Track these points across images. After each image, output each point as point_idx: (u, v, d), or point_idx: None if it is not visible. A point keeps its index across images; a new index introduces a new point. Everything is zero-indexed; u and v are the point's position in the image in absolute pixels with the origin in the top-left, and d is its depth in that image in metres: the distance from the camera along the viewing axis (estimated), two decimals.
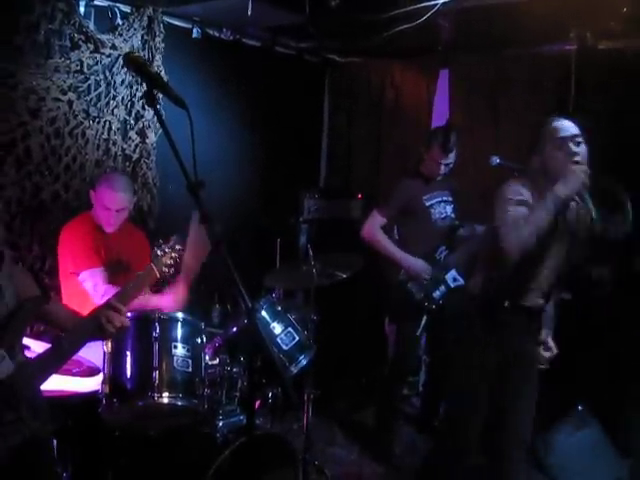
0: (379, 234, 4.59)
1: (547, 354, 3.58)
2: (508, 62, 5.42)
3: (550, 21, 4.32)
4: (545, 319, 3.54)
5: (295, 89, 6.01)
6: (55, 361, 2.70)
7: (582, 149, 3.25)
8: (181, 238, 3.13)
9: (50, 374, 2.70)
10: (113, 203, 3.91)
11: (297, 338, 3.69)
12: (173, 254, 3.03)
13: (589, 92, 4.90)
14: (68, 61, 4.29)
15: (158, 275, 3.00)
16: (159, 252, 3.01)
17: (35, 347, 3.02)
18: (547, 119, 3.37)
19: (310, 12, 4.45)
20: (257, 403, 3.72)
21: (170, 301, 3.81)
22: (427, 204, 4.63)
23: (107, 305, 2.77)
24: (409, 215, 4.62)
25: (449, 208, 4.72)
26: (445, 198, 4.71)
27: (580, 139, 3.26)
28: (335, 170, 6.66)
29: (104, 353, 3.21)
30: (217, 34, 5.33)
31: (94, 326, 2.71)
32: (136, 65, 2.27)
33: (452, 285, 4.59)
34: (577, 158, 3.21)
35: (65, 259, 3.93)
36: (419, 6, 4.34)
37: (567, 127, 3.29)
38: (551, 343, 3.59)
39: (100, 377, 3.21)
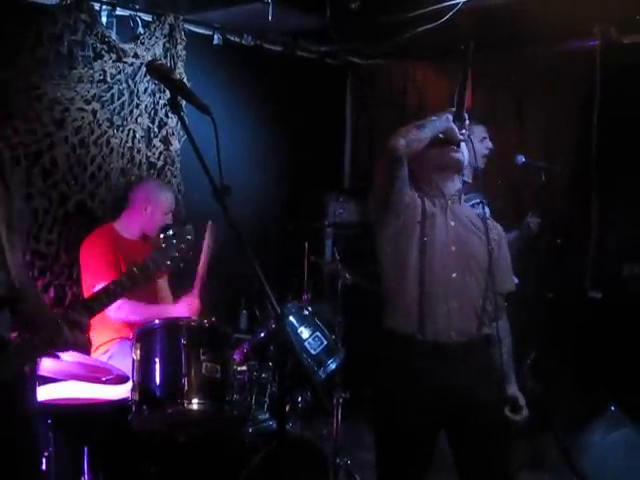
0: None
1: (516, 417, 3.01)
2: (531, 60, 5.36)
3: (573, 16, 4.27)
4: (505, 370, 3.00)
5: (317, 93, 6.00)
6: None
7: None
8: (193, 229, 2.85)
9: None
10: (168, 203, 4.11)
11: (325, 342, 3.68)
12: (182, 245, 2.73)
13: (615, 87, 4.84)
14: (91, 71, 4.32)
15: (157, 269, 2.72)
16: (163, 244, 2.72)
17: (64, 355, 3.03)
18: None
19: (331, 15, 4.45)
20: (286, 408, 3.71)
21: (184, 310, 3.83)
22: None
23: (63, 314, 2.50)
24: None
25: (481, 209, 4.64)
26: (479, 200, 4.65)
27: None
28: (359, 172, 6.64)
29: (133, 361, 3.22)
30: (238, 40, 5.33)
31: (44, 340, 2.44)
32: (160, 73, 2.27)
33: None
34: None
35: (85, 273, 3.97)
36: (440, 6, 4.31)
37: None
38: (522, 401, 3.01)
39: (129, 385, 3.21)
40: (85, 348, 2.59)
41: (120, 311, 3.73)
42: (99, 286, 3.76)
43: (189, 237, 2.71)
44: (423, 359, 2.88)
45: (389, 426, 3.03)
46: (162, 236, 2.68)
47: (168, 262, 2.66)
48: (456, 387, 2.85)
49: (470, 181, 4.60)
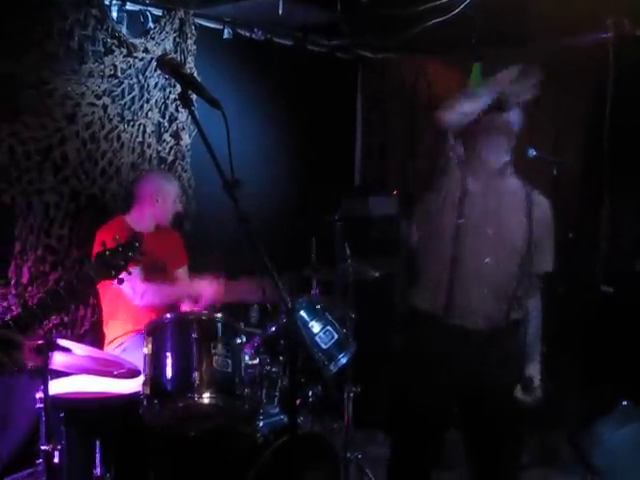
0: None
1: (526, 398, 3.02)
2: (542, 53, 5.33)
3: (586, 9, 4.25)
4: (529, 348, 3.06)
5: (328, 87, 5.99)
6: None
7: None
8: (142, 235, 2.76)
9: None
10: (170, 193, 4.14)
11: (336, 336, 3.67)
12: (129, 253, 2.65)
13: (628, 80, 4.80)
14: (102, 66, 4.32)
15: (95, 276, 2.65)
16: (107, 252, 2.64)
17: (76, 350, 3.05)
18: None
19: (341, 9, 4.44)
20: (297, 402, 3.71)
21: (207, 288, 3.92)
22: None
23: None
24: None
25: None
26: None
27: None
28: (370, 167, 6.63)
29: (144, 355, 3.22)
30: (248, 34, 5.33)
31: None
32: (170, 67, 2.28)
33: None
34: None
35: None
36: None
37: None
38: (536, 383, 3.03)
39: (141, 379, 3.22)
40: (19, 368, 2.52)
41: (145, 296, 3.81)
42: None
43: (137, 245, 2.66)
44: (445, 343, 2.88)
45: (405, 408, 3.07)
46: (106, 243, 2.63)
47: (112, 272, 2.62)
48: (475, 373, 2.86)
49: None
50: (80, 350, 3.11)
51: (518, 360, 2.99)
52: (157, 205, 4.11)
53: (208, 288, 3.91)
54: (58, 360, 2.95)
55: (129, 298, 3.85)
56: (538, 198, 3.05)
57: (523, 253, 2.90)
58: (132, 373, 3.22)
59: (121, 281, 2.73)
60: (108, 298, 3.99)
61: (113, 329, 4.01)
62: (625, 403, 4.43)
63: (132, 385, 3.31)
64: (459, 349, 2.87)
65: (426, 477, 3.14)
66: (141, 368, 3.25)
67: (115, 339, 3.98)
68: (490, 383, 2.90)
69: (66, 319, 4.29)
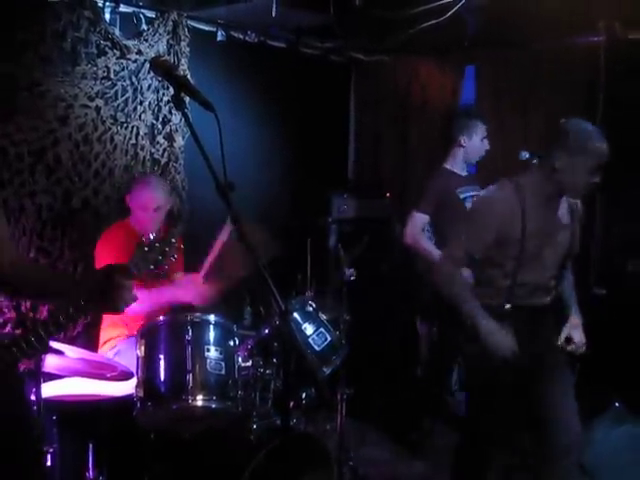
0: (422, 239, 4.53)
1: (571, 347, 3.49)
2: (535, 56, 5.35)
3: (577, 12, 4.27)
4: (568, 303, 3.58)
5: (321, 89, 6.00)
6: None
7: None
8: (178, 231, 2.89)
9: None
10: (150, 202, 3.95)
11: (329, 338, 3.68)
12: (166, 248, 2.69)
13: (619, 84, 4.82)
14: (95, 68, 4.32)
15: (140, 272, 2.65)
16: (146, 247, 2.67)
17: (69, 352, 3.04)
18: (584, 123, 3.31)
19: (334, 12, 4.44)
20: (290, 404, 3.71)
21: (189, 291, 3.82)
22: (461, 197, 4.58)
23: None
24: (446, 209, 4.54)
25: None
26: (478, 192, 4.67)
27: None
28: (363, 169, 6.64)
29: (137, 357, 3.22)
30: (242, 36, 5.32)
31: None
32: (163, 69, 2.28)
33: None
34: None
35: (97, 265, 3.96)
36: (444, 2, 4.31)
37: (602, 152, 3.26)
38: (577, 337, 3.50)
39: (134, 381, 3.22)
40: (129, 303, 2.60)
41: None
42: None
43: (173, 240, 2.69)
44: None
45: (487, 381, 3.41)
46: (145, 240, 2.66)
47: (151, 266, 2.64)
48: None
49: (465, 173, 4.63)
50: (73, 353, 3.11)
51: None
52: (138, 212, 4.01)
53: (189, 292, 3.84)
54: (51, 362, 2.94)
55: None
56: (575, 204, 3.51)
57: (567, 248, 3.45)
58: (125, 375, 3.21)
59: (158, 276, 2.78)
60: None
61: (106, 332, 4.01)
62: (617, 405, 4.44)
63: (125, 387, 3.31)
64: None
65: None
66: (134, 370, 3.25)
67: (108, 341, 3.98)
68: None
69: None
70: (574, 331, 3.49)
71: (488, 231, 3.31)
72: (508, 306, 3.34)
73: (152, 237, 2.65)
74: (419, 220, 4.52)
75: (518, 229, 3.27)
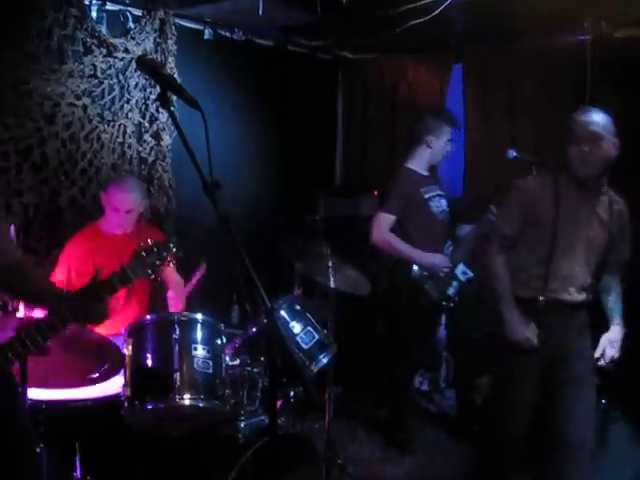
0: (390, 236, 4.48)
1: (601, 363, 3.50)
2: (522, 54, 5.37)
3: (564, 10, 4.28)
4: (612, 315, 3.56)
5: (308, 87, 6.00)
6: None
7: (596, 150, 3.28)
8: (175, 240, 2.87)
9: None
10: (122, 204, 3.93)
11: (317, 337, 3.68)
12: (164, 253, 2.75)
13: (606, 82, 4.85)
14: (82, 66, 4.31)
15: (133, 275, 2.70)
16: (143, 252, 2.71)
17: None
18: (579, 108, 3.41)
19: (321, 10, 4.44)
20: (279, 403, 3.72)
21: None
22: (425, 196, 4.60)
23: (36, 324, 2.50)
24: (412, 209, 4.54)
25: (444, 202, 4.69)
26: (439, 192, 4.69)
27: (599, 137, 3.27)
28: (350, 167, 6.65)
29: (124, 356, 3.21)
30: (229, 34, 5.33)
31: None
32: (149, 68, 2.28)
33: (463, 279, 4.58)
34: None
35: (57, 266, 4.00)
36: (431, 0, 4.31)
37: (586, 123, 3.31)
38: (609, 352, 3.50)
39: (121, 380, 3.21)
40: (108, 317, 2.66)
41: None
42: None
43: (171, 245, 2.71)
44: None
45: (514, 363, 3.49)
46: (142, 245, 2.68)
47: (148, 271, 2.66)
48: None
49: (427, 173, 4.64)
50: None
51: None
52: (109, 211, 3.99)
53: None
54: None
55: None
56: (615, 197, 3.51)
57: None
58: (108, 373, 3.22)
59: (156, 279, 2.83)
60: None
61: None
62: (604, 401, 4.46)
63: (112, 387, 3.30)
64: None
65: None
66: (122, 351, 3.25)
67: None
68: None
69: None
70: (609, 345, 3.49)
71: (519, 207, 3.48)
72: (542, 299, 3.39)
73: (150, 242, 2.68)
74: (385, 220, 4.48)
75: (551, 211, 3.37)
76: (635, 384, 4.44)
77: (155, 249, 2.67)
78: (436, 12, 4.36)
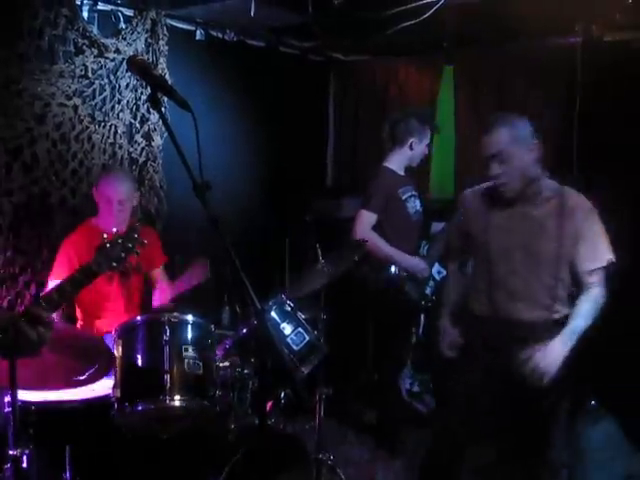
0: (373, 235, 4.48)
1: (527, 369, 3.14)
2: (513, 56, 5.39)
3: (555, 14, 4.30)
4: (564, 330, 3.18)
5: (300, 89, 6.01)
6: None
7: (507, 168, 3.17)
8: (140, 226, 2.79)
9: None
10: (114, 194, 3.91)
11: (307, 338, 3.67)
12: (129, 244, 2.69)
13: (595, 84, 4.87)
14: (73, 66, 4.30)
15: (101, 270, 2.65)
16: (107, 244, 2.66)
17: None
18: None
19: (313, 11, 4.45)
20: (269, 404, 3.71)
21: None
22: (403, 197, 4.62)
23: (25, 312, 2.45)
24: (390, 208, 4.56)
25: (418, 202, 4.72)
26: (414, 192, 4.71)
27: (504, 154, 3.16)
28: (342, 169, 6.65)
29: (114, 357, 3.20)
30: (220, 35, 5.32)
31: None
32: (140, 68, 2.28)
33: (438, 278, 4.62)
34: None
35: (53, 268, 3.96)
36: (422, 2, 4.32)
37: (487, 144, 3.23)
38: (541, 362, 3.11)
39: (111, 382, 3.20)
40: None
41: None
42: (50, 282, 3.81)
43: (136, 235, 2.69)
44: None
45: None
46: (106, 237, 2.66)
47: (114, 264, 2.64)
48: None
49: (403, 174, 4.67)
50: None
51: None
52: (103, 205, 3.97)
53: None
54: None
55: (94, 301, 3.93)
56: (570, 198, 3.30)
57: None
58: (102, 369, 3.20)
59: (123, 273, 2.78)
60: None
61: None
62: (593, 402, 4.48)
63: (102, 388, 3.30)
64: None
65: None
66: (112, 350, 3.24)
67: None
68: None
69: None
70: (542, 355, 3.12)
71: (457, 219, 3.48)
72: (487, 314, 3.33)
73: (114, 233, 2.65)
74: (367, 218, 4.51)
75: (482, 224, 3.31)
76: (623, 383, 4.47)
77: (120, 240, 2.64)
78: (428, 14, 4.37)
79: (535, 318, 3.24)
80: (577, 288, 3.24)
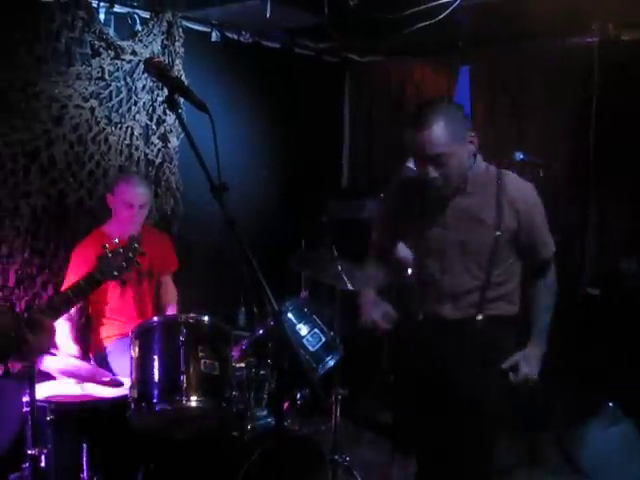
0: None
1: (513, 377, 2.98)
2: (529, 56, 5.37)
3: (571, 13, 4.28)
4: (531, 329, 3.05)
5: (315, 90, 6.00)
6: None
7: (445, 170, 2.83)
8: (138, 237, 2.83)
9: None
10: (135, 198, 3.92)
11: (323, 339, 3.68)
12: (129, 254, 2.72)
13: (612, 83, 4.85)
14: (89, 68, 4.32)
15: (100, 277, 2.68)
16: (109, 253, 2.69)
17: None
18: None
19: (329, 12, 4.44)
20: (285, 405, 3.71)
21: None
22: None
23: (27, 316, 2.46)
24: None
25: None
26: None
27: (439, 156, 2.79)
28: (358, 170, 6.65)
29: (131, 358, 3.22)
30: (236, 37, 5.33)
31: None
32: (157, 70, 2.28)
33: None
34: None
35: (67, 275, 3.96)
36: (438, 2, 4.31)
37: (422, 144, 2.80)
38: (526, 368, 2.97)
39: (128, 382, 3.22)
40: (48, 351, 2.59)
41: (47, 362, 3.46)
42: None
43: (136, 246, 2.73)
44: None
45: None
46: (107, 246, 2.69)
47: (115, 272, 2.67)
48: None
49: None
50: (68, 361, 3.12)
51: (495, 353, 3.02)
52: (121, 211, 3.95)
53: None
54: (50, 364, 2.94)
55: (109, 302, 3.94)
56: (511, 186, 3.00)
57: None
58: (115, 383, 3.23)
59: (124, 282, 2.91)
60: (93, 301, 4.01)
61: (97, 333, 4.01)
62: (611, 404, 4.45)
63: (120, 388, 3.31)
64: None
65: None
66: (127, 372, 3.25)
67: (99, 342, 3.99)
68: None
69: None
70: (523, 362, 2.98)
71: (389, 210, 3.31)
72: (421, 317, 3.07)
73: (115, 243, 2.69)
74: None
75: (416, 219, 3.04)
76: None
77: (121, 250, 2.69)
78: (444, 15, 4.36)
79: (469, 317, 2.98)
80: (527, 279, 3.05)
